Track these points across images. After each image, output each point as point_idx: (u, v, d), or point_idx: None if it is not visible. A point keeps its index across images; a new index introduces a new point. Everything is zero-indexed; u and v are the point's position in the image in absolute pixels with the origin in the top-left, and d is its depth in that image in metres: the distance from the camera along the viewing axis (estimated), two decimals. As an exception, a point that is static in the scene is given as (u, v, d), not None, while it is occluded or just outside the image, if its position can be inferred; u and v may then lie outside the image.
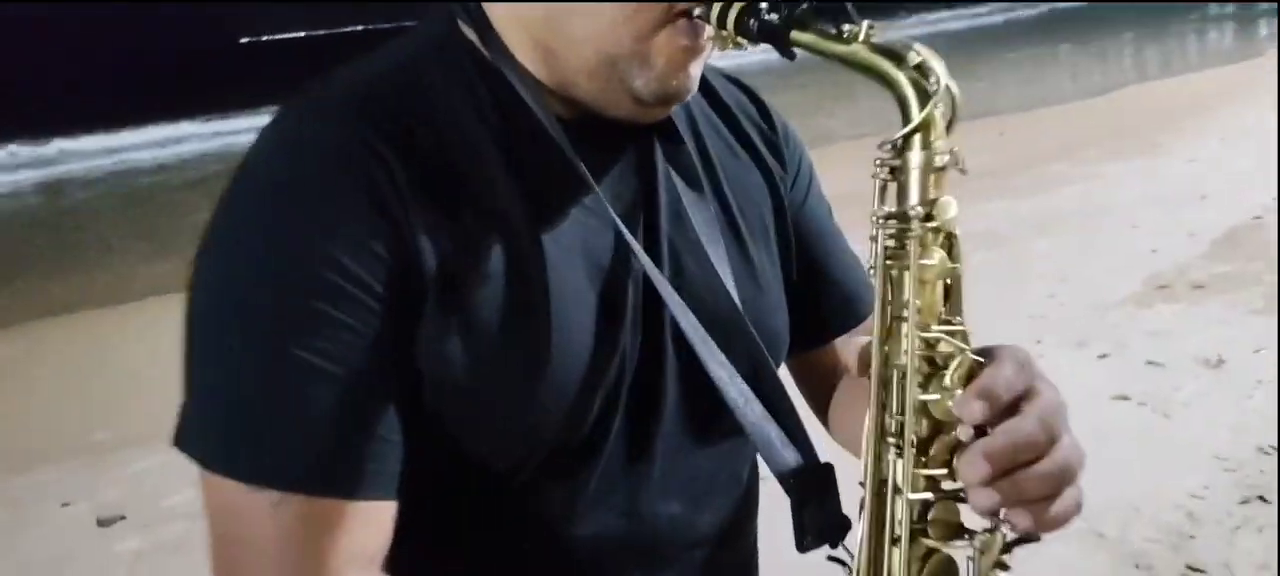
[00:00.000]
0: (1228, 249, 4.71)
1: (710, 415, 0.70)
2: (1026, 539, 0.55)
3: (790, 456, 0.68)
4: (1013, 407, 0.53)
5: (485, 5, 0.66)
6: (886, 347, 0.55)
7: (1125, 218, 5.43)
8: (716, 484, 0.74)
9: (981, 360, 0.54)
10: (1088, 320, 3.89)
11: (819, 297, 0.81)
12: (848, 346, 0.83)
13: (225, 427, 0.60)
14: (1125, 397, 3.16)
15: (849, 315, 0.82)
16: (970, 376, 0.54)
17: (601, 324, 0.66)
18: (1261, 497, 2.58)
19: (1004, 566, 0.55)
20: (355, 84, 0.65)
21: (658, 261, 0.68)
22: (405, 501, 0.62)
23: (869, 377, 0.56)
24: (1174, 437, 2.92)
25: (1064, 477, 0.53)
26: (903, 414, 0.54)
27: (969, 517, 0.55)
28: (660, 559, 0.72)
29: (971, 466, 0.52)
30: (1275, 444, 2.77)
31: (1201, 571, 2.31)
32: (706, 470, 0.73)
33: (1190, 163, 6.61)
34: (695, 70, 0.65)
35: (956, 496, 0.55)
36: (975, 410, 0.52)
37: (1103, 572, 2.32)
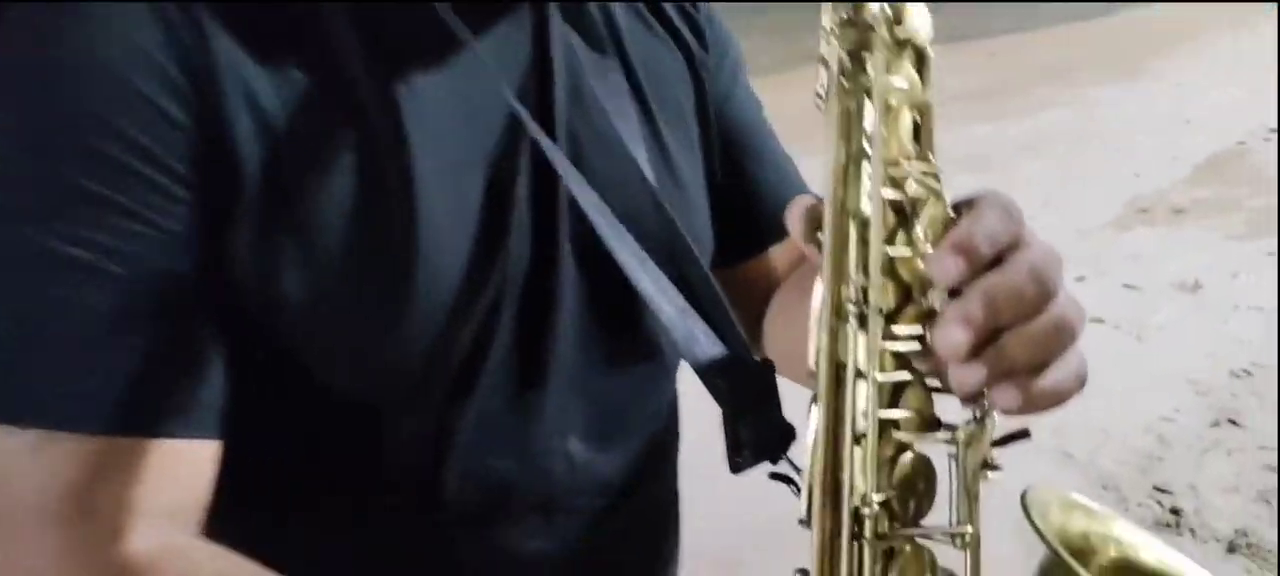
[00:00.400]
0: (1209, 174, 4.68)
1: (618, 331, 0.59)
2: (1019, 435, 0.44)
3: (718, 353, 0.56)
4: (996, 264, 0.41)
5: None
6: (843, 195, 0.42)
7: (1110, 142, 5.36)
8: (627, 418, 0.62)
9: (957, 215, 0.42)
10: (1068, 243, 3.81)
11: (748, 201, 0.69)
12: (782, 255, 0.70)
13: None
14: (1100, 321, 3.11)
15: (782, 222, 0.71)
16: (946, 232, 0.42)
17: (482, 224, 0.54)
18: (1232, 421, 2.55)
19: (993, 466, 0.43)
20: None
21: (553, 142, 0.56)
22: (233, 442, 0.50)
23: (818, 244, 0.43)
24: (1147, 361, 2.90)
25: (1061, 338, 0.42)
26: (866, 274, 0.41)
27: (948, 408, 0.44)
28: (557, 508, 0.60)
29: (948, 334, 0.40)
30: (1247, 369, 2.75)
31: (1168, 493, 2.29)
32: (615, 400, 0.61)
33: (1177, 87, 6.53)
34: None
35: (928, 380, 0.43)
36: (950, 267, 0.40)
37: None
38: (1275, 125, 5.01)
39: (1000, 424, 0.43)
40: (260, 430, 0.51)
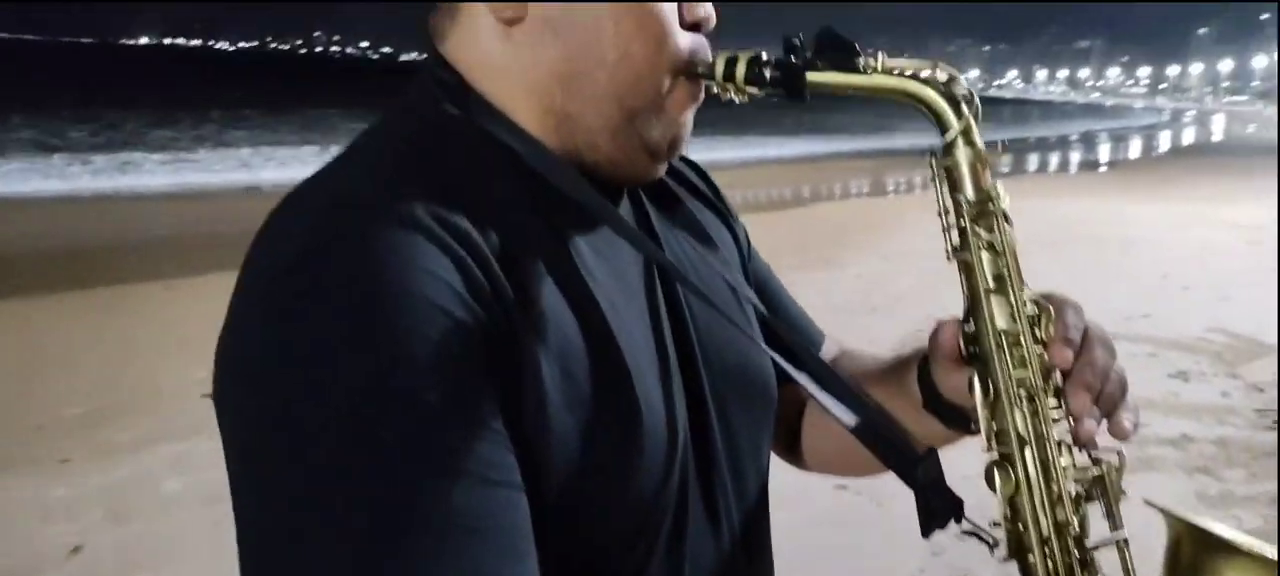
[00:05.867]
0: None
1: (750, 467, 0.70)
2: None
3: (917, 452, 0.69)
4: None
5: (479, 83, 0.64)
6: (985, 320, 0.62)
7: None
8: (764, 525, 0.74)
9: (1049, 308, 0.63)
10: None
11: (780, 337, 0.79)
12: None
13: None
14: (843, 487, 3.38)
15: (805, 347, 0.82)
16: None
17: (660, 373, 0.64)
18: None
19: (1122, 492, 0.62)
20: (381, 186, 0.57)
21: (681, 318, 0.68)
22: None
23: (964, 354, 0.64)
24: (889, 525, 3.16)
25: (1125, 381, 0.63)
26: (1024, 369, 0.61)
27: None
28: None
29: (1079, 397, 0.60)
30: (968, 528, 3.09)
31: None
32: (761, 519, 0.73)
33: (858, 277, 7.47)
34: (692, 116, 0.67)
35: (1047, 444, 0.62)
36: (1068, 356, 0.61)
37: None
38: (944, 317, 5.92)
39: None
40: None
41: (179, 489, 3.49)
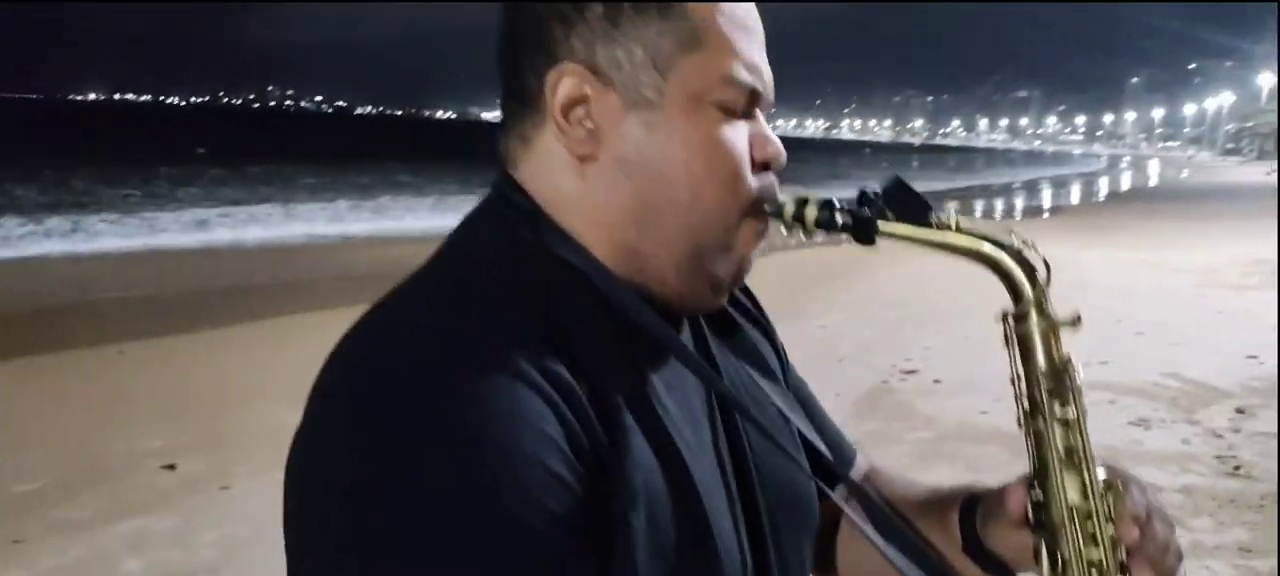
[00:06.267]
0: (869, 408, 5.35)
1: None
2: None
3: None
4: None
5: (551, 211, 0.65)
6: (1056, 494, 0.62)
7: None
8: None
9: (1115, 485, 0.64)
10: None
11: (815, 451, 0.80)
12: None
13: None
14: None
15: (840, 465, 0.83)
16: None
17: (728, 504, 0.65)
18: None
19: None
20: (473, 319, 0.57)
21: (740, 447, 0.69)
22: None
23: (1028, 522, 0.64)
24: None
25: (1181, 552, 0.66)
26: (1095, 547, 0.62)
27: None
28: None
29: (1144, 574, 0.62)
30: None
31: None
32: None
33: (822, 328, 7.51)
34: (756, 252, 0.69)
35: None
36: (1136, 533, 0.63)
37: None
38: (908, 367, 6.00)
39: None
40: None
41: (138, 569, 3.36)
